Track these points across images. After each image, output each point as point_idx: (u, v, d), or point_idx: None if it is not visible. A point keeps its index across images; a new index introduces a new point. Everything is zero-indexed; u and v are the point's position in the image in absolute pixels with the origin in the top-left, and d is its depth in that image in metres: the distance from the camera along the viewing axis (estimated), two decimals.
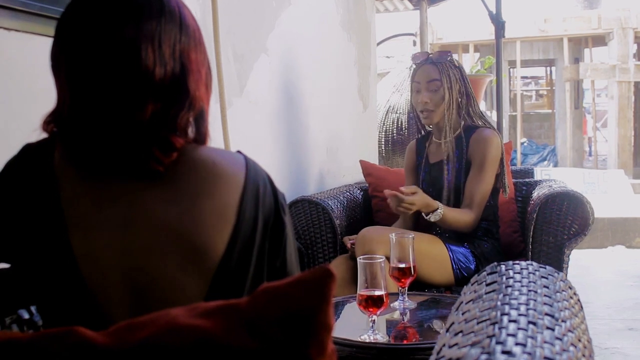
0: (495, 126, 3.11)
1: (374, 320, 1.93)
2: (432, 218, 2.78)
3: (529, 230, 3.01)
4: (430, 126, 3.16)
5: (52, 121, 1.14)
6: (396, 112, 5.49)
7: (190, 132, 1.18)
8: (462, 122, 3.02)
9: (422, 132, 3.25)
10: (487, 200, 2.94)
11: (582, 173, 11.21)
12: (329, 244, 3.14)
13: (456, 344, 0.88)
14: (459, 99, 3.00)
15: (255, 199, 1.16)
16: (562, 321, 0.92)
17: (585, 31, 14.22)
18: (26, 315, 1.37)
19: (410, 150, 3.28)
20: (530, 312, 0.92)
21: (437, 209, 2.78)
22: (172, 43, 1.13)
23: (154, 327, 0.72)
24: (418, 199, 2.73)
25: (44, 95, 1.72)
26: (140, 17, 1.10)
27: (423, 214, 2.81)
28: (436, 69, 2.99)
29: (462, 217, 2.85)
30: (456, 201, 2.96)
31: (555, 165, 15.28)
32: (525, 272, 1.15)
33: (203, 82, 1.19)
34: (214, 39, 2.55)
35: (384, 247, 2.55)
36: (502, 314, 0.91)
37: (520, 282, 1.09)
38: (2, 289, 1.33)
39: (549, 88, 18.86)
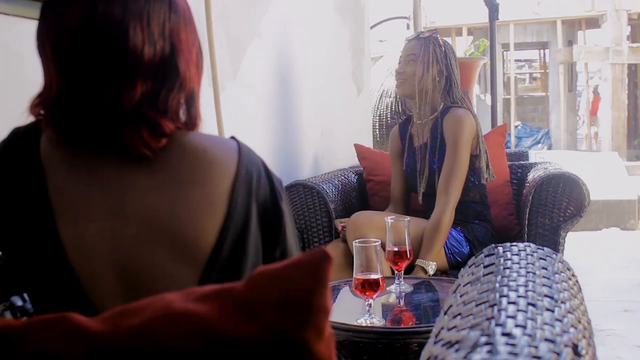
0: (471, 105, 3.07)
1: (371, 304, 1.93)
2: (431, 271, 2.67)
3: (525, 212, 3.00)
4: (411, 110, 3.14)
5: (39, 103, 1.11)
6: (390, 96, 5.46)
7: (182, 114, 1.16)
8: (441, 105, 2.97)
9: (405, 114, 3.23)
10: (472, 180, 2.91)
11: (576, 155, 11.21)
12: (324, 228, 3.13)
13: (455, 327, 0.87)
14: (437, 78, 2.96)
15: (248, 186, 1.14)
16: (562, 302, 0.91)
17: (578, 13, 14.19)
18: (19, 302, 1.35)
19: (394, 136, 3.26)
20: (530, 293, 0.91)
21: (427, 266, 2.67)
22: (162, 22, 1.10)
23: (148, 313, 0.71)
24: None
25: (34, 79, 1.70)
26: None
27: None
28: (419, 44, 2.98)
29: (442, 225, 2.73)
30: (434, 184, 2.93)
31: (549, 148, 15.29)
32: (523, 253, 1.14)
33: (193, 62, 1.17)
34: (207, 23, 2.53)
35: (376, 231, 2.55)
36: (501, 296, 0.90)
37: (518, 263, 1.08)
38: None
39: (542, 71, 18.85)
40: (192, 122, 1.18)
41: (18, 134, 1.16)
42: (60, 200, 1.09)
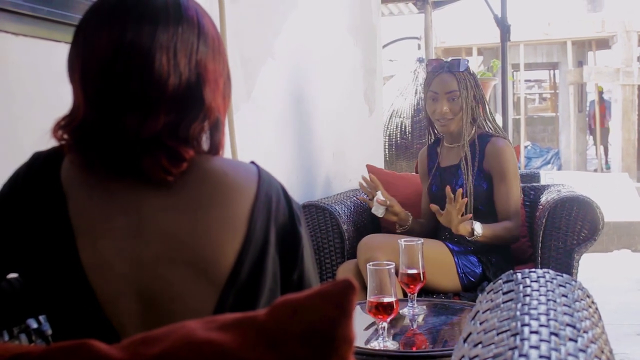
0: (502, 128, 3.12)
1: (384, 327, 1.91)
2: (478, 231, 2.75)
3: (538, 235, 2.99)
4: (441, 134, 3.19)
5: (64, 126, 1.12)
6: (400, 116, 5.46)
7: (204, 142, 1.16)
8: (475, 128, 3.04)
9: (433, 138, 3.25)
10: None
11: (587, 176, 11.16)
12: (336, 249, 3.12)
13: (476, 356, 0.86)
14: (474, 106, 3.03)
15: (268, 209, 1.14)
16: (584, 332, 0.90)
17: (589, 34, 14.17)
18: (35, 325, 1.35)
19: (422, 156, 3.31)
20: (552, 322, 0.90)
21: (473, 228, 2.74)
22: (189, 53, 1.11)
23: (169, 341, 0.70)
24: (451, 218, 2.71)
25: (49, 100, 1.70)
26: (156, 25, 1.08)
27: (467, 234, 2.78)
28: (454, 78, 3.00)
29: (507, 231, 2.86)
30: (471, 205, 2.95)
31: (559, 168, 15.24)
32: (542, 280, 1.12)
33: (220, 93, 1.17)
34: None
35: (386, 254, 2.56)
36: (523, 325, 0.89)
37: (538, 290, 1.06)
38: (11, 298, 1.31)
39: (552, 91, 18.80)
40: (214, 150, 1.18)
41: (39, 158, 1.16)
42: (81, 221, 1.10)
